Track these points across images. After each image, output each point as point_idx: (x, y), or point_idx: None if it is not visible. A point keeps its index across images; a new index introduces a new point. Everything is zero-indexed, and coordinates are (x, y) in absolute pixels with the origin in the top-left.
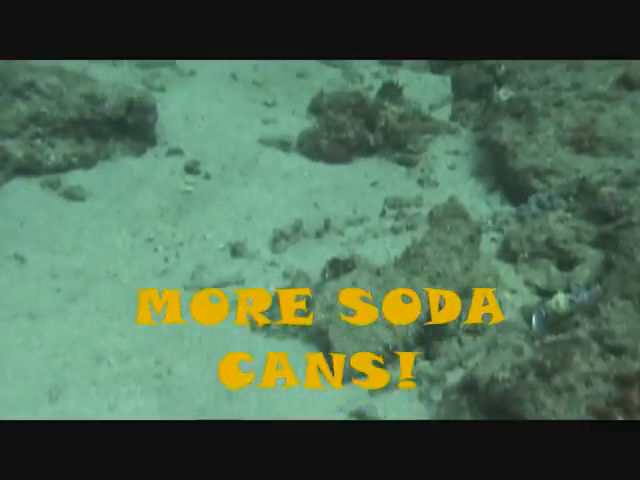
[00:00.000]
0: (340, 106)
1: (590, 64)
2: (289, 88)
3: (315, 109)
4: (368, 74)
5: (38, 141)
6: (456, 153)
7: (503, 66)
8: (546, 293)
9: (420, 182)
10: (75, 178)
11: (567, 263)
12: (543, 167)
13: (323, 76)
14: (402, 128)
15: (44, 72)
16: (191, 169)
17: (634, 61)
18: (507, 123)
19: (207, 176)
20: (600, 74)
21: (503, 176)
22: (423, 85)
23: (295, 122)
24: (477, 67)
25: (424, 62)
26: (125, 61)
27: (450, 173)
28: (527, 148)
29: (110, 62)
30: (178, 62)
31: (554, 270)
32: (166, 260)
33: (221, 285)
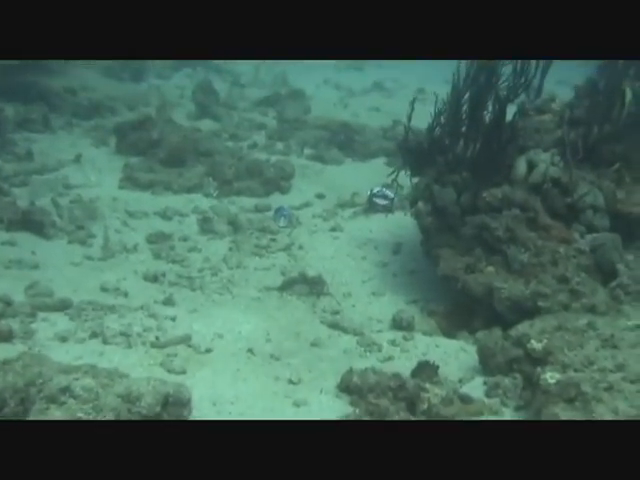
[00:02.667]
0: (380, 390)
1: None
2: (308, 361)
3: (346, 388)
4: (385, 342)
5: None
6: None
7: (539, 344)
8: None
9: None
10: None
11: None
12: None
13: (338, 345)
14: (447, 412)
15: (78, 372)
16: None
17: None
18: (562, 409)
19: None
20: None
21: None
22: (443, 354)
23: (326, 402)
24: (503, 338)
25: (434, 324)
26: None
27: None
28: None
29: (124, 344)
30: (193, 339)
31: None
32: None
33: None
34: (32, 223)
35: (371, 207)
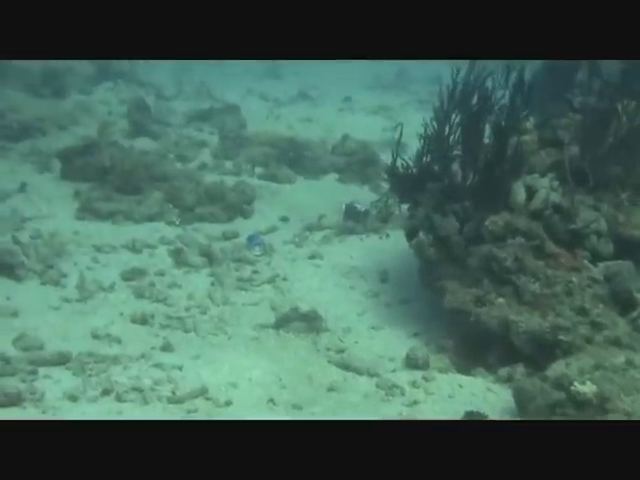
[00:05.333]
0: None
1: None
2: (331, 409)
3: None
4: (405, 384)
5: None
6: None
7: (584, 386)
8: None
9: None
10: None
11: None
12: None
13: (356, 389)
14: None
15: None
16: None
17: None
18: None
19: None
20: None
21: None
22: (471, 395)
23: None
24: (541, 381)
25: (447, 360)
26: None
27: None
28: None
29: (140, 400)
30: (209, 391)
31: None
32: None
33: None
34: (2, 266)
35: (348, 216)
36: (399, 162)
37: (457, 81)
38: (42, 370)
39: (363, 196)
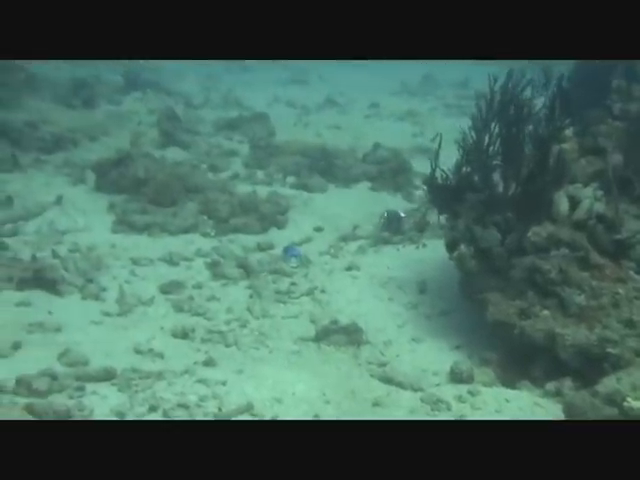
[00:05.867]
0: None
1: None
2: None
3: None
4: (451, 399)
5: None
6: None
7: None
8: None
9: None
10: None
11: None
12: None
13: (400, 403)
14: None
15: None
16: None
17: None
18: None
19: None
20: None
21: None
22: (518, 410)
23: None
24: (591, 396)
25: (491, 374)
26: None
27: None
28: None
29: (186, 417)
30: (255, 406)
31: None
32: None
33: None
34: (44, 281)
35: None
36: (437, 172)
37: (495, 90)
38: (89, 386)
39: (396, 205)
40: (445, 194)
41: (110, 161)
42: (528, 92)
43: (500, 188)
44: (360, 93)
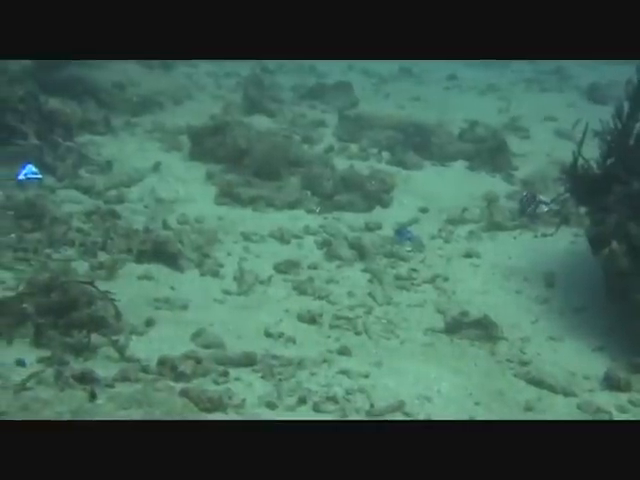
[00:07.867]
0: None
1: None
2: None
3: None
4: (612, 408)
5: None
6: None
7: None
8: None
9: None
10: None
11: None
12: None
13: (555, 409)
14: None
15: None
16: None
17: None
18: None
19: None
20: None
21: None
22: None
23: None
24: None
25: None
26: None
27: None
28: None
29: (338, 412)
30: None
31: None
32: None
33: None
34: (164, 254)
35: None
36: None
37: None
38: (232, 372)
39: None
40: (587, 185)
41: (206, 129)
42: None
43: None
44: (433, 63)
